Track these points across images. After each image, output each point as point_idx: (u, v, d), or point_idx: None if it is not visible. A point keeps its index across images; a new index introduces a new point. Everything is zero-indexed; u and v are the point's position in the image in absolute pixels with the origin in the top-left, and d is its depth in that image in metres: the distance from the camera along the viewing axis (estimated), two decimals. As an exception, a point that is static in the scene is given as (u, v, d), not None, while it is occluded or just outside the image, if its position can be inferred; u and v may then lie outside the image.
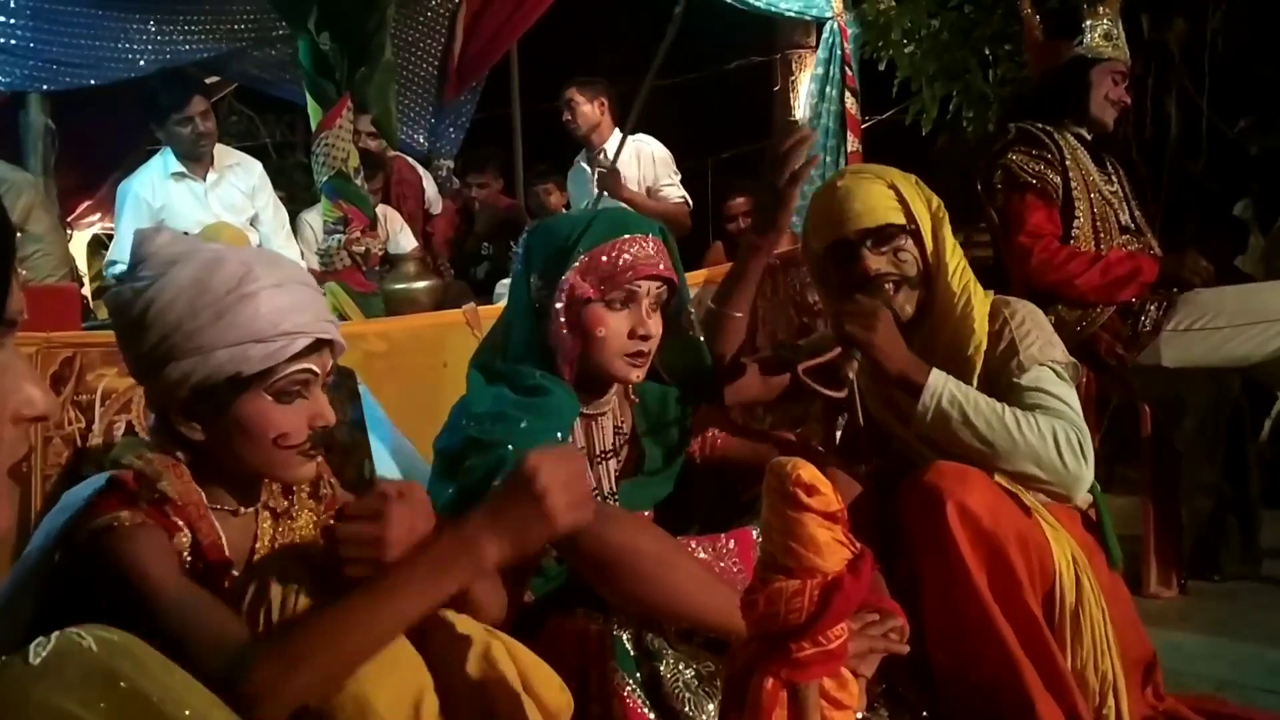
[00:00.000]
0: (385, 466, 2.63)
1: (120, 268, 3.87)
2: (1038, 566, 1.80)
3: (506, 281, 4.19)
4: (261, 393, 1.37)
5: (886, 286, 1.98)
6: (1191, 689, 2.20)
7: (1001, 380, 1.91)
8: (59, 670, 0.75)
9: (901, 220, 1.97)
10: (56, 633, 0.78)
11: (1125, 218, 3.04)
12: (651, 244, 1.74)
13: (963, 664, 1.78)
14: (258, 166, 4.34)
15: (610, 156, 4.51)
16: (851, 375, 1.86)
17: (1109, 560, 1.96)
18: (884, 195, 1.98)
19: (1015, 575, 1.77)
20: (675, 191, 4.69)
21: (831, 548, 1.05)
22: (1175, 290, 2.91)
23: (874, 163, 2.17)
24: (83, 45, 4.63)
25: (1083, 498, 2.00)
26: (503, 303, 3.07)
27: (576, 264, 1.69)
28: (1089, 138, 3.08)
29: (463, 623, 1.29)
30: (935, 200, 2.01)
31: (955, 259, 1.98)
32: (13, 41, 4.53)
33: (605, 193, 4.44)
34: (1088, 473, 1.82)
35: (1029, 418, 1.82)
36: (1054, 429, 1.81)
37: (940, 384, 1.85)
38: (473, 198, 5.74)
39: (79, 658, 0.77)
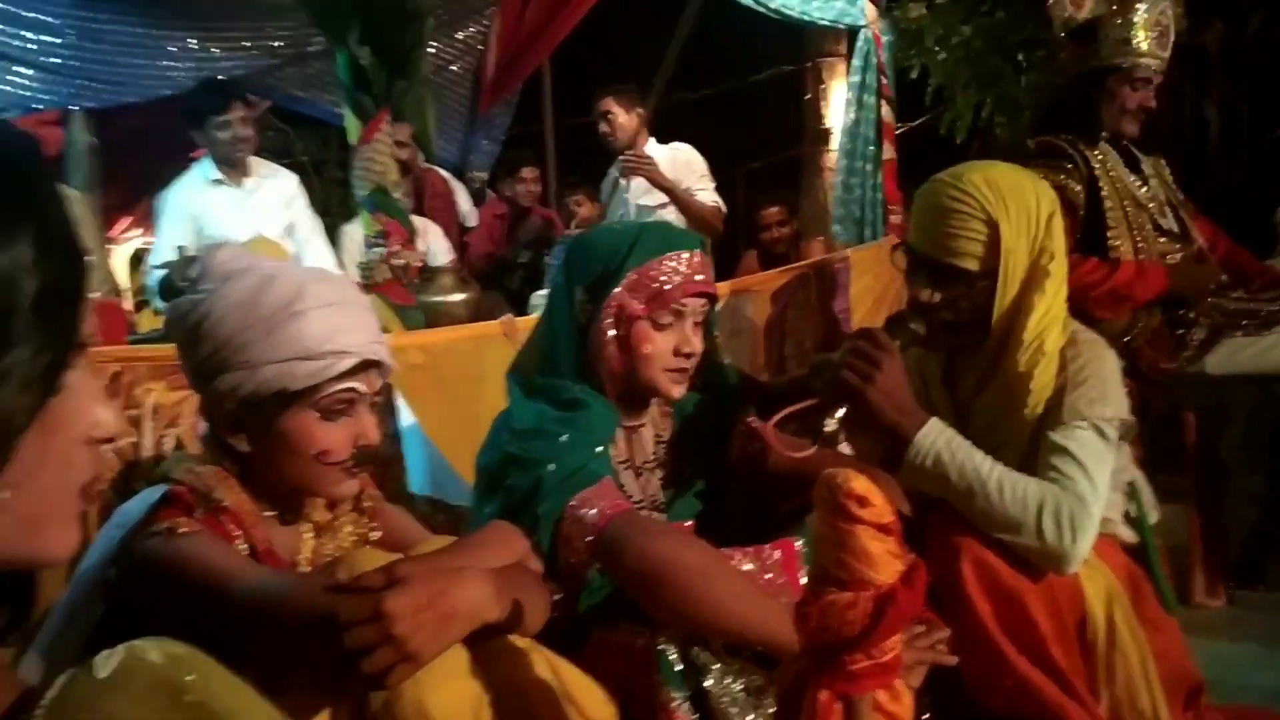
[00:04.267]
0: (418, 481, 2.65)
1: (161, 274, 3.93)
2: (1067, 608, 1.76)
3: (542, 293, 4.22)
4: (307, 409, 1.40)
5: (914, 326, 1.87)
6: (1239, 700, 2.17)
7: (1045, 423, 1.82)
8: (126, 683, 0.76)
9: (971, 267, 1.83)
10: (122, 646, 0.79)
11: (1167, 221, 2.98)
12: (697, 259, 1.73)
13: (1001, 701, 1.75)
14: (294, 178, 4.41)
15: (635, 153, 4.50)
16: (830, 427, 1.74)
17: (1162, 601, 1.93)
18: (970, 232, 1.82)
19: (1038, 629, 1.72)
20: (709, 197, 4.68)
21: (884, 560, 1.05)
22: (1190, 307, 2.86)
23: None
24: (124, 63, 4.72)
25: (1124, 535, 1.97)
26: (538, 314, 3.08)
27: (625, 281, 1.70)
28: (1123, 141, 3.03)
29: (505, 637, 1.30)
30: (1052, 248, 1.83)
31: (1039, 312, 1.82)
32: (56, 60, 4.62)
33: (633, 178, 4.43)
34: (1073, 549, 1.69)
35: (1018, 485, 1.71)
36: (1043, 500, 1.70)
37: (928, 442, 1.75)
38: (529, 192, 5.74)
39: (145, 671, 0.77)
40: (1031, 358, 1.82)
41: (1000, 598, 1.72)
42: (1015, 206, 1.82)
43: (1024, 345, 1.82)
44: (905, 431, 1.77)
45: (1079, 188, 2.88)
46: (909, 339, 1.88)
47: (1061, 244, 1.87)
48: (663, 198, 4.57)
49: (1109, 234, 2.89)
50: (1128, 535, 1.98)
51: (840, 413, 1.76)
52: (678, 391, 1.75)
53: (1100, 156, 2.94)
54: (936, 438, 1.76)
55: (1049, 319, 1.83)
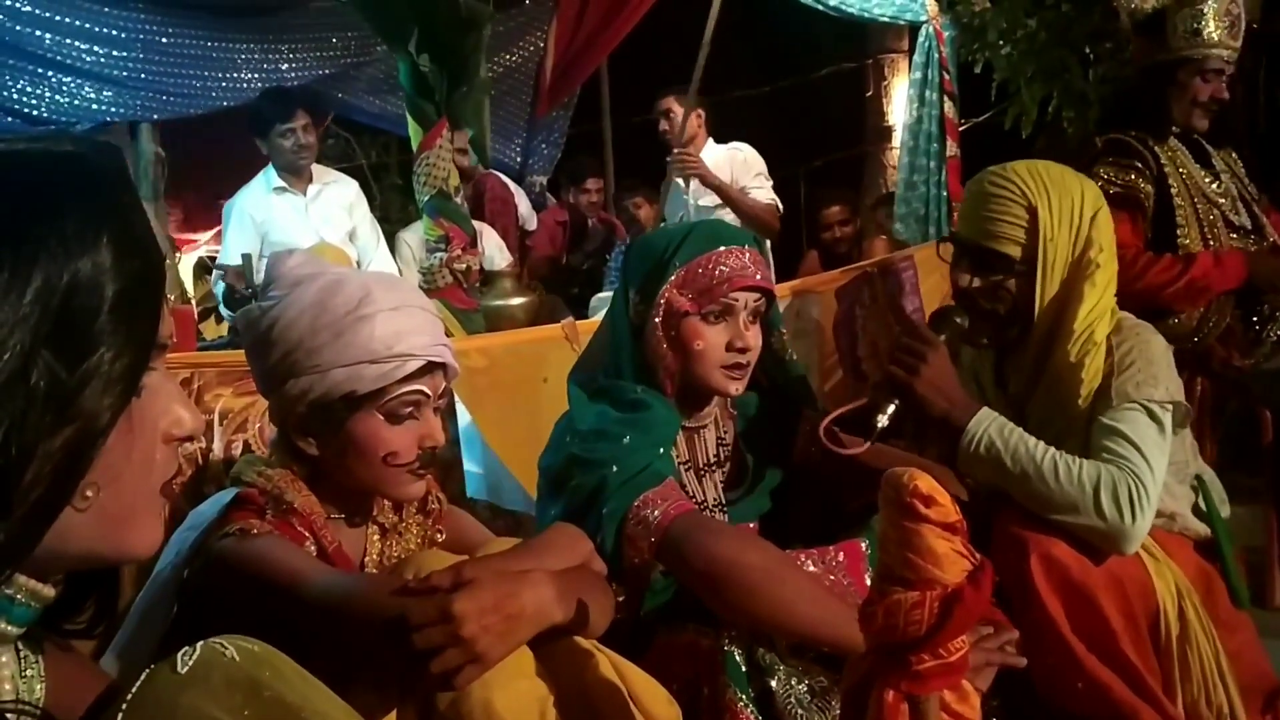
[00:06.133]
0: (475, 486, 2.67)
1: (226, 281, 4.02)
2: (1139, 605, 1.74)
3: (601, 296, 4.23)
4: (374, 411, 1.42)
5: (958, 320, 1.90)
6: (1322, 705, 2.11)
7: (1095, 409, 1.82)
8: (205, 678, 0.78)
9: (1013, 253, 1.86)
10: (201, 643, 0.81)
11: (1240, 217, 2.91)
12: (747, 255, 1.72)
13: (1070, 701, 1.73)
14: (354, 184, 4.49)
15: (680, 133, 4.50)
16: (881, 423, 1.76)
17: (1233, 597, 1.89)
18: (1009, 216, 1.86)
19: (1109, 625, 1.71)
20: (765, 194, 4.66)
21: (951, 559, 1.03)
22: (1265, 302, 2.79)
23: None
24: (191, 75, 4.82)
25: (1193, 530, 1.93)
26: (599, 317, 3.10)
27: (673, 278, 1.70)
28: (1194, 136, 2.95)
29: (569, 638, 1.31)
30: (1100, 241, 1.85)
31: (1089, 304, 1.83)
32: (124, 74, 4.73)
33: (691, 180, 4.43)
34: (1133, 527, 1.68)
35: (1073, 466, 1.71)
36: (1100, 479, 1.69)
37: (980, 429, 1.77)
38: (591, 204, 5.79)
39: (223, 667, 0.79)
40: (1082, 348, 1.83)
41: (1070, 595, 1.70)
42: (1057, 196, 1.86)
43: (1074, 336, 1.83)
44: (956, 420, 1.79)
45: (1149, 187, 2.81)
46: (953, 332, 1.90)
47: (1110, 240, 1.89)
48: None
49: (1178, 232, 2.82)
50: (1199, 528, 1.94)
51: (891, 409, 1.78)
52: (734, 388, 1.74)
53: (1170, 152, 2.87)
54: (989, 424, 1.78)
55: (1099, 310, 1.85)
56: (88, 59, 4.57)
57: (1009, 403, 1.97)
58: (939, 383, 1.79)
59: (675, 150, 4.44)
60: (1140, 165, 2.82)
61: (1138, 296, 2.72)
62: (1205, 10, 2.81)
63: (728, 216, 4.48)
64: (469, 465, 2.68)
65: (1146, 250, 2.80)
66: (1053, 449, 1.74)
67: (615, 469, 1.59)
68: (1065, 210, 1.85)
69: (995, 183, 1.90)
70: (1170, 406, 1.80)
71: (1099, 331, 1.84)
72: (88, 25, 4.52)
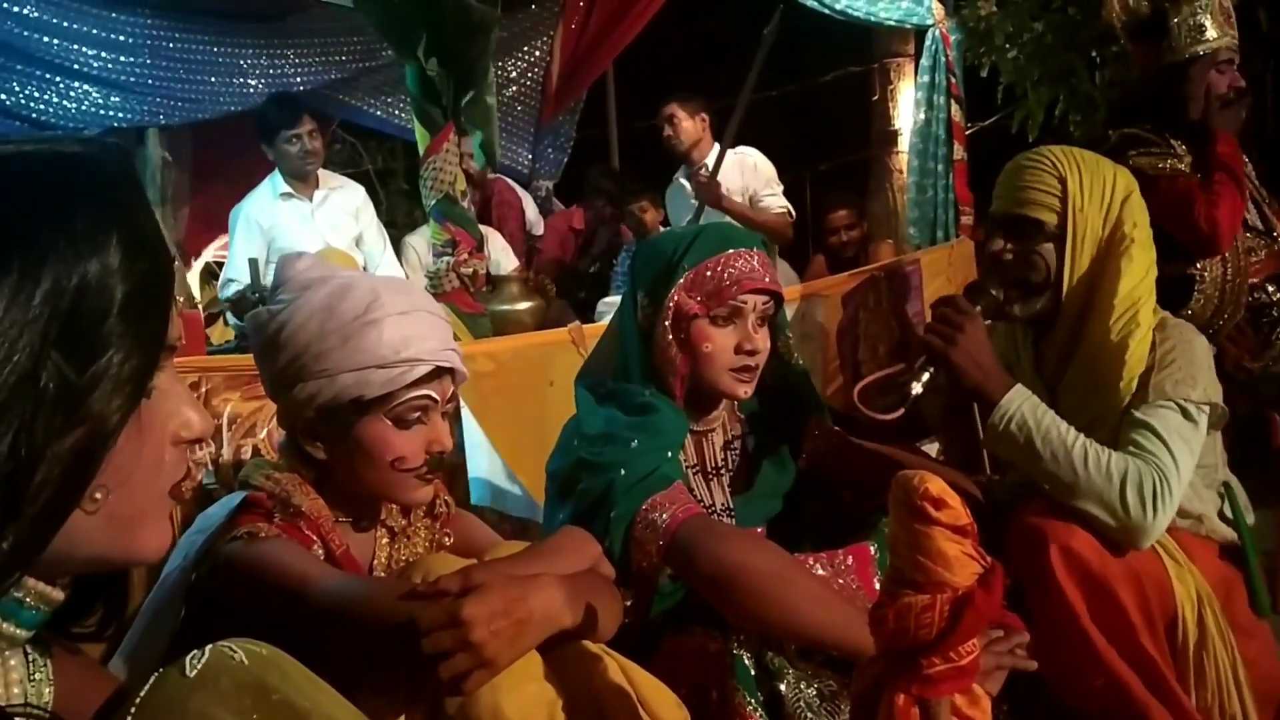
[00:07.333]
0: (479, 493, 2.66)
1: (235, 286, 4.03)
2: (1157, 605, 1.74)
3: (607, 300, 4.23)
4: (382, 416, 1.42)
5: (993, 291, 1.91)
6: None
7: (1131, 403, 1.82)
8: (214, 682, 0.78)
9: (1045, 218, 1.87)
10: (210, 647, 0.81)
11: (1251, 216, 2.90)
12: (756, 258, 1.72)
13: (1084, 700, 1.73)
14: (360, 189, 4.51)
15: (711, 170, 4.50)
16: (915, 390, 1.77)
17: (1255, 605, 1.89)
18: (1041, 184, 1.88)
19: (1128, 618, 1.71)
20: (777, 202, 4.66)
21: (961, 562, 1.03)
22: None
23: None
24: (198, 80, 4.83)
25: (1221, 533, 1.92)
26: (605, 321, 3.10)
27: (681, 280, 1.70)
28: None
29: (578, 642, 1.30)
30: (1134, 219, 1.85)
31: (1130, 279, 1.82)
32: (131, 79, 4.74)
33: (705, 204, 4.44)
34: (1152, 523, 1.69)
35: (1101, 455, 1.71)
36: (1127, 471, 1.69)
37: (1013, 406, 1.77)
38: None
39: (231, 670, 0.79)
40: (1124, 326, 1.82)
41: (1089, 587, 1.70)
42: (1088, 173, 1.88)
43: (1115, 312, 1.82)
44: (989, 393, 1.79)
45: (1182, 165, 2.79)
46: (988, 304, 1.90)
47: (1146, 226, 1.89)
48: (733, 198, 4.55)
49: None
50: (1225, 532, 1.93)
51: (925, 376, 1.79)
52: (744, 391, 1.73)
53: (1182, 148, 2.87)
54: (1023, 402, 1.78)
55: (1142, 289, 1.83)
56: (94, 64, 4.58)
57: (1046, 388, 1.96)
58: (975, 354, 1.80)
59: (702, 175, 4.45)
60: (1170, 148, 2.81)
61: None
62: (1201, 6, 2.82)
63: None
64: (474, 470, 2.67)
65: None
66: (1083, 436, 1.75)
67: (623, 472, 1.58)
68: (1095, 186, 1.87)
69: (1030, 157, 1.95)
70: (1206, 407, 1.80)
71: (1144, 312, 1.83)
72: (94, 30, 4.53)
